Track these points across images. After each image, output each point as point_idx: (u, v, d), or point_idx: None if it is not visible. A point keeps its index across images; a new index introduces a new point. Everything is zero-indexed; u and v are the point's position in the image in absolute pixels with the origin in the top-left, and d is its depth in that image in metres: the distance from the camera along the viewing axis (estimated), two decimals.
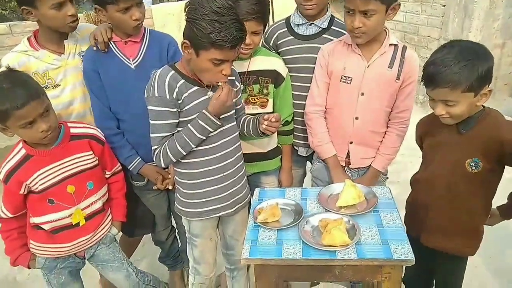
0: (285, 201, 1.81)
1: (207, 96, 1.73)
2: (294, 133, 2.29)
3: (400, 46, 1.95)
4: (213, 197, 1.85)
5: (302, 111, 2.19)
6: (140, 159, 2.08)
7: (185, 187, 1.87)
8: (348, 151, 2.08)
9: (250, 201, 1.98)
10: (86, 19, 4.33)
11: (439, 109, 1.60)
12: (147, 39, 2.01)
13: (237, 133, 1.89)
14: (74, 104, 2.03)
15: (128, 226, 2.17)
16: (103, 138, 1.94)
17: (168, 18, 5.20)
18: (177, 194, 1.94)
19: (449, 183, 1.70)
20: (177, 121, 1.72)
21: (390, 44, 1.93)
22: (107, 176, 2.01)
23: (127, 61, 1.97)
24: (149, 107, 1.69)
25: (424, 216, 1.79)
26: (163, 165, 1.76)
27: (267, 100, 2.14)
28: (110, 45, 1.96)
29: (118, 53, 1.97)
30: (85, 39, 2.01)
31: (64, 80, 1.97)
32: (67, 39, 1.99)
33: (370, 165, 2.10)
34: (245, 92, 2.08)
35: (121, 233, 2.23)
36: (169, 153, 1.70)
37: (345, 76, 1.98)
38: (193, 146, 1.71)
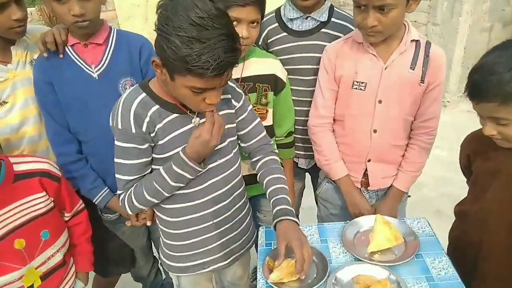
0: None
1: (191, 125, 1.31)
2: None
3: (422, 42, 1.60)
4: (202, 248, 1.47)
5: (301, 118, 1.90)
6: (108, 190, 1.72)
7: (167, 237, 1.48)
8: (366, 170, 1.73)
9: (256, 239, 1.61)
10: (39, 14, 3.68)
11: (488, 128, 1.23)
12: (114, 41, 1.64)
13: (237, 164, 1.48)
14: (26, 125, 1.64)
15: (101, 265, 1.85)
16: (58, 173, 1.53)
17: (133, 9, 4.68)
18: (161, 239, 1.54)
19: (511, 226, 1.31)
20: (148, 160, 1.31)
21: (412, 41, 1.58)
22: (66, 218, 1.60)
23: (87, 68, 1.60)
24: (115, 140, 1.29)
25: (476, 259, 1.42)
26: (130, 212, 1.38)
27: (267, 111, 1.79)
28: (67, 50, 1.58)
29: (76, 59, 1.59)
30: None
31: (12, 96, 1.59)
32: (14, 45, 1.61)
33: (391, 185, 1.76)
34: None
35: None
36: (135, 202, 1.32)
37: (357, 82, 1.62)
38: (167, 195, 1.33)
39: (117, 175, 1.32)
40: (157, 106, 1.26)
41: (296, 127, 1.93)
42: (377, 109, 1.62)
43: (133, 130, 1.23)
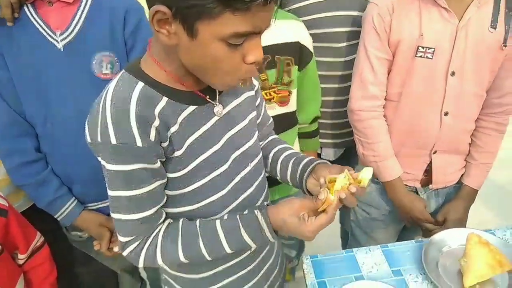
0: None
1: (216, 118, 0.85)
2: (320, 130, 1.58)
3: None
4: (235, 275, 1.02)
5: (329, 98, 1.53)
6: (76, 201, 1.33)
7: (183, 284, 1.01)
8: (429, 164, 1.34)
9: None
10: None
11: None
12: (89, 1, 1.23)
13: (264, 168, 1.04)
14: None
15: None
16: (4, 203, 1.08)
17: None
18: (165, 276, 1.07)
19: None
20: (164, 182, 0.84)
21: None
22: (21, 261, 1.16)
23: (50, 35, 1.18)
24: (102, 162, 0.79)
25: None
26: (141, 266, 0.88)
27: (290, 92, 1.35)
28: (24, 8, 1.17)
29: (35, 21, 1.18)
30: None
31: None
32: None
33: (459, 181, 1.39)
34: None
35: None
36: (159, 259, 0.85)
37: (423, 48, 1.21)
38: (210, 259, 0.87)
39: (117, 215, 0.82)
40: (165, 99, 0.78)
41: (321, 110, 1.51)
42: (449, 84, 1.21)
43: (139, 143, 0.75)
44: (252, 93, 0.96)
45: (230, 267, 0.98)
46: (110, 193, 0.80)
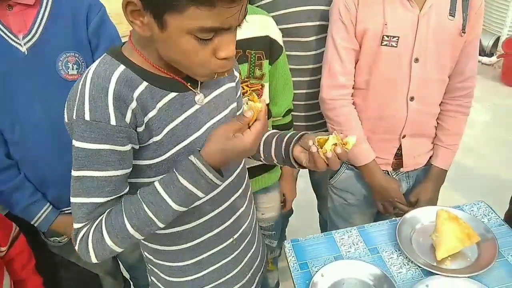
0: (353, 267, 1.05)
1: (197, 106, 0.87)
2: (294, 122, 1.59)
3: None
4: (223, 278, 1.04)
5: (301, 91, 1.54)
6: (51, 206, 1.32)
7: (171, 273, 1.03)
8: (399, 148, 1.39)
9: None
10: None
11: None
12: (50, 1, 1.21)
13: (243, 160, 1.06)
14: None
15: None
16: None
17: None
18: (152, 279, 1.09)
19: None
20: (128, 172, 0.83)
21: None
22: (1, 254, 1.17)
23: (13, 39, 1.16)
24: (73, 141, 0.79)
25: None
26: (94, 260, 0.84)
27: (262, 86, 1.37)
28: None
29: None
30: None
31: None
32: None
33: (427, 163, 1.45)
34: None
35: None
36: (107, 239, 0.81)
37: (387, 36, 1.25)
38: (161, 226, 0.84)
39: (76, 199, 0.81)
40: (145, 84, 0.79)
41: (294, 103, 1.54)
42: (413, 70, 1.27)
43: (113, 121, 0.75)
44: (233, 84, 0.98)
45: (212, 255, 0.99)
46: (74, 173, 0.80)
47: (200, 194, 0.81)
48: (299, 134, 0.96)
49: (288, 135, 0.99)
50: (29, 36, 1.16)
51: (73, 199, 0.81)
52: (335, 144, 0.83)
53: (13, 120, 1.21)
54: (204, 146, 0.81)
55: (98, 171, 0.78)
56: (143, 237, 0.84)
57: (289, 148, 0.96)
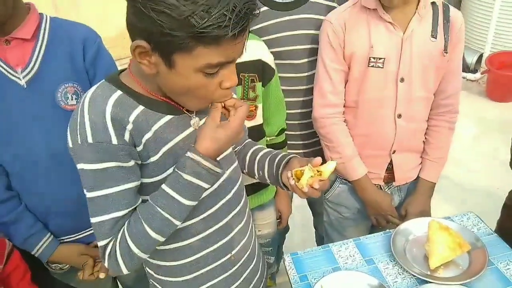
0: (351, 278, 1.10)
1: (191, 128, 0.93)
2: (291, 141, 1.66)
3: (440, 5, 1.35)
4: None
5: (295, 111, 1.61)
6: (51, 237, 1.32)
7: (169, 287, 1.07)
8: (390, 163, 1.46)
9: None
10: None
11: None
12: (46, 34, 1.21)
13: (241, 174, 1.11)
14: None
15: None
16: None
17: None
18: None
19: None
20: (139, 183, 0.89)
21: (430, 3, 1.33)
22: None
23: (11, 73, 1.17)
24: (79, 166, 0.85)
25: None
26: (125, 271, 0.90)
27: (256, 107, 1.44)
28: None
29: None
30: None
31: None
32: None
33: (418, 177, 1.51)
34: None
35: None
36: (135, 249, 0.87)
37: (374, 58, 1.33)
38: (178, 224, 0.89)
39: (96, 219, 0.86)
40: (141, 108, 0.86)
41: (289, 122, 1.60)
42: (399, 89, 1.34)
43: (115, 141, 0.82)
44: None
45: (211, 271, 1.03)
46: (88, 195, 0.85)
47: (205, 185, 0.87)
48: (287, 158, 1.02)
49: (279, 157, 1.05)
50: (28, 70, 1.18)
51: (93, 219, 0.86)
52: (313, 176, 0.89)
53: (14, 152, 1.22)
54: (196, 141, 0.86)
55: (109, 188, 0.84)
56: (164, 238, 0.89)
57: (278, 172, 1.02)
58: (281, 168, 1.02)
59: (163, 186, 0.86)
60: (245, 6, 0.73)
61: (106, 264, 0.89)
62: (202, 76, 0.79)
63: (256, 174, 1.12)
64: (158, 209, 0.85)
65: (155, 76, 0.82)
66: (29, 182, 1.25)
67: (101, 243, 0.88)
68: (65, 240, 1.35)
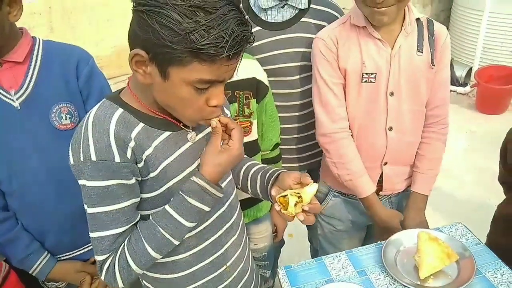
0: None
1: (189, 143, 0.97)
2: (287, 155, 1.71)
3: (424, 21, 1.40)
4: None
5: (290, 126, 1.65)
6: (49, 255, 1.32)
7: None
8: (381, 175, 1.49)
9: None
10: None
11: None
12: (39, 57, 1.23)
13: (235, 188, 1.15)
14: None
15: None
16: None
17: (33, 19, 3.93)
18: None
19: None
20: (138, 200, 0.93)
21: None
22: None
23: (5, 95, 1.19)
24: (81, 182, 0.88)
25: None
26: (121, 286, 0.94)
27: (251, 123, 1.47)
28: None
29: None
30: None
31: None
32: None
33: (407, 189, 1.54)
34: None
35: None
36: (133, 265, 0.91)
37: (366, 74, 1.37)
38: (176, 243, 0.95)
39: (96, 234, 0.90)
40: (142, 125, 0.90)
41: (284, 136, 1.64)
42: (389, 103, 1.38)
43: (117, 159, 0.85)
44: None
45: (207, 282, 1.06)
46: (89, 210, 0.89)
47: (206, 208, 0.93)
48: (276, 174, 1.06)
49: (270, 172, 1.08)
50: (21, 92, 1.19)
51: (92, 234, 0.90)
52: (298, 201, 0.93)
53: (10, 172, 1.22)
54: (201, 167, 0.92)
55: (110, 205, 0.88)
56: (162, 256, 0.94)
57: (268, 187, 1.06)
58: (270, 183, 1.06)
59: (167, 208, 0.91)
60: (242, 33, 0.79)
61: (102, 278, 0.92)
62: (192, 90, 0.83)
63: (249, 190, 1.15)
64: (160, 229, 0.90)
65: (149, 87, 0.86)
66: (25, 201, 1.26)
67: (99, 258, 0.91)
68: (62, 258, 1.36)
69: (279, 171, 1.06)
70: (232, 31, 0.77)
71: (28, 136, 1.21)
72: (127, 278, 0.92)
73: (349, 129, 1.45)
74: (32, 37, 1.24)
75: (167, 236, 0.91)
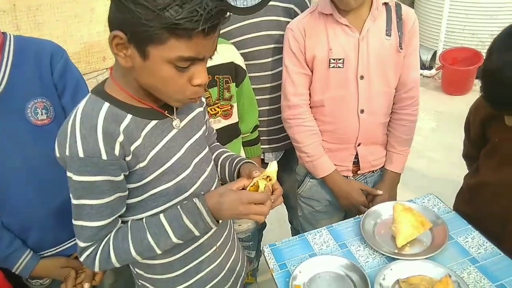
0: (327, 262, 1.18)
1: (175, 130, 1.00)
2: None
3: (392, 5, 1.46)
4: (208, 285, 1.15)
5: (263, 108, 1.72)
6: (31, 253, 1.30)
7: (159, 284, 1.12)
8: (356, 155, 1.56)
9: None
10: None
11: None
12: (11, 52, 1.21)
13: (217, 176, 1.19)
14: None
15: None
16: None
17: None
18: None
19: None
20: (125, 194, 0.96)
21: (382, 4, 1.43)
22: None
23: None
24: (68, 174, 0.90)
25: (501, 230, 1.28)
26: (96, 270, 0.98)
27: (231, 106, 1.53)
28: None
29: None
30: None
31: None
32: None
33: (382, 167, 1.62)
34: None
35: None
36: (113, 258, 0.95)
37: (334, 59, 1.43)
38: (159, 252, 0.99)
39: (79, 222, 0.92)
40: (130, 116, 0.92)
41: (258, 119, 1.69)
42: (360, 86, 1.45)
43: (104, 156, 0.87)
44: (202, 109, 1.12)
45: (198, 264, 1.10)
46: (74, 201, 0.91)
47: (196, 233, 0.98)
48: (240, 163, 1.12)
49: (234, 162, 1.14)
50: None
51: (75, 222, 0.92)
52: (267, 182, 0.99)
53: None
54: (210, 192, 1.00)
55: (95, 199, 0.90)
56: (141, 259, 0.99)
57: (233, 176, 1.13)
58: (235, 173, 1.13)
59: (161, 217, 0.96)
60: (216, 7, 0.80)
61: (81, 260, 0.96)
62: (173, 68, 0.84)
63: (220, 176, 1.20)
64: (148, 235, 0.95)
65: (131, 71, 0.87)
66: (6, 197, 1.24)
67: (81, 244, 0.94)
68: (46, 255, 1.35)
69: (241, 162, 1.13)
70: (206, 4, 0.78)
71: (4, 131, 1.19)
72: (104, 267, 0.96)
73: (309, 113, 1.53)
74: (2, 32, 1.21)
75: (152, 243, 0.95)
